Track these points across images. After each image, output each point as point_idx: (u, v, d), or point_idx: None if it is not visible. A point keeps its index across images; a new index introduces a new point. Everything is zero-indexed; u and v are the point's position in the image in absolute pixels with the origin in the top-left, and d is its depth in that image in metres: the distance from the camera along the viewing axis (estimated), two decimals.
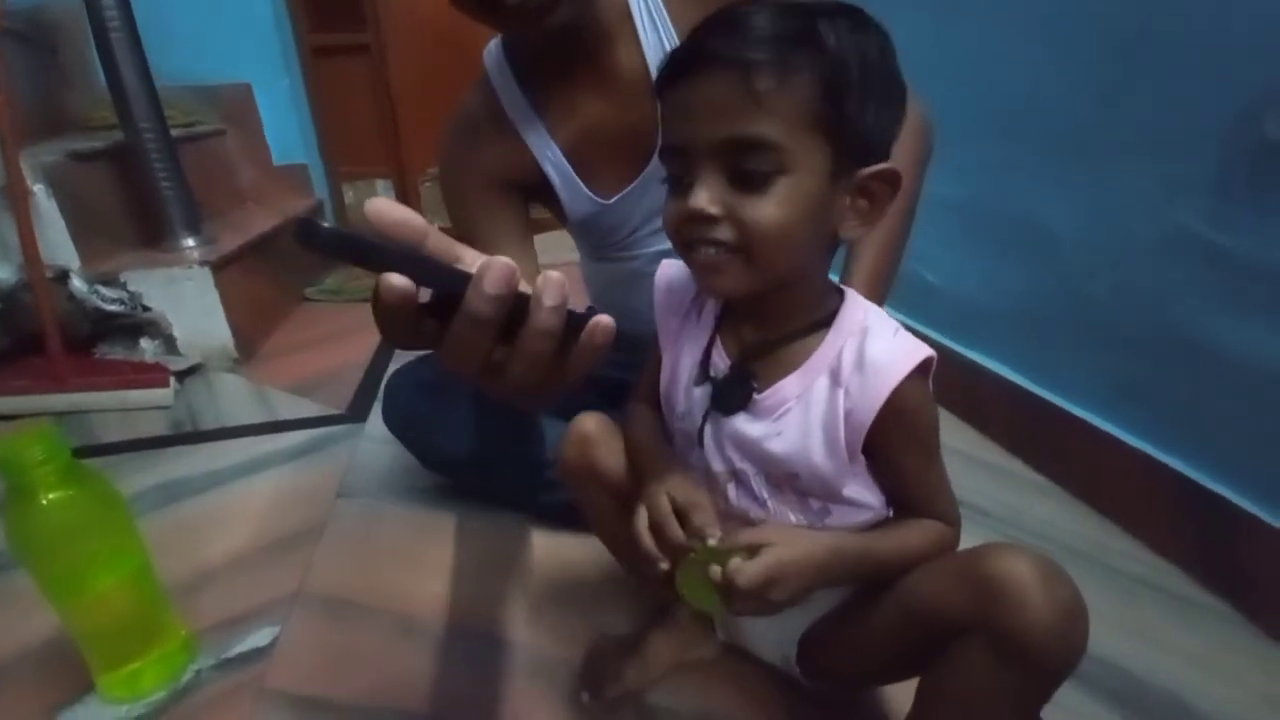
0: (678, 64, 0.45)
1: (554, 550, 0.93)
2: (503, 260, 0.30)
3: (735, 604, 0.48)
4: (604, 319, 0.33)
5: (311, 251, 0.27)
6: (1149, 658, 0.74)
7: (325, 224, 0.26)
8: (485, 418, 0.98)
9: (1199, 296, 0.84)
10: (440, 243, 0.32)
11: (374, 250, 0.28)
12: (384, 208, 0.29)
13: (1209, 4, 0.78)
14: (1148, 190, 0.89)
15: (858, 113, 0.44)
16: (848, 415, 0.48)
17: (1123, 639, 0.77)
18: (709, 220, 0.44)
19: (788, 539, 0.50)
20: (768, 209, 0.44)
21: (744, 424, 0.52)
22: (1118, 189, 0.93)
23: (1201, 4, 0.79)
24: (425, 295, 0.31)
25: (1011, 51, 1.07)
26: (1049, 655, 0.42)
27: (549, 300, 0.31)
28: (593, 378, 0.79)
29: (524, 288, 0.31)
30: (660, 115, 0.48)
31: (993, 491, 1.05)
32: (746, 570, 0.46)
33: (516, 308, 0.31)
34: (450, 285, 0.30)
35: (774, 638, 0.63)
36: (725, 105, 0.43)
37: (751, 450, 0.52)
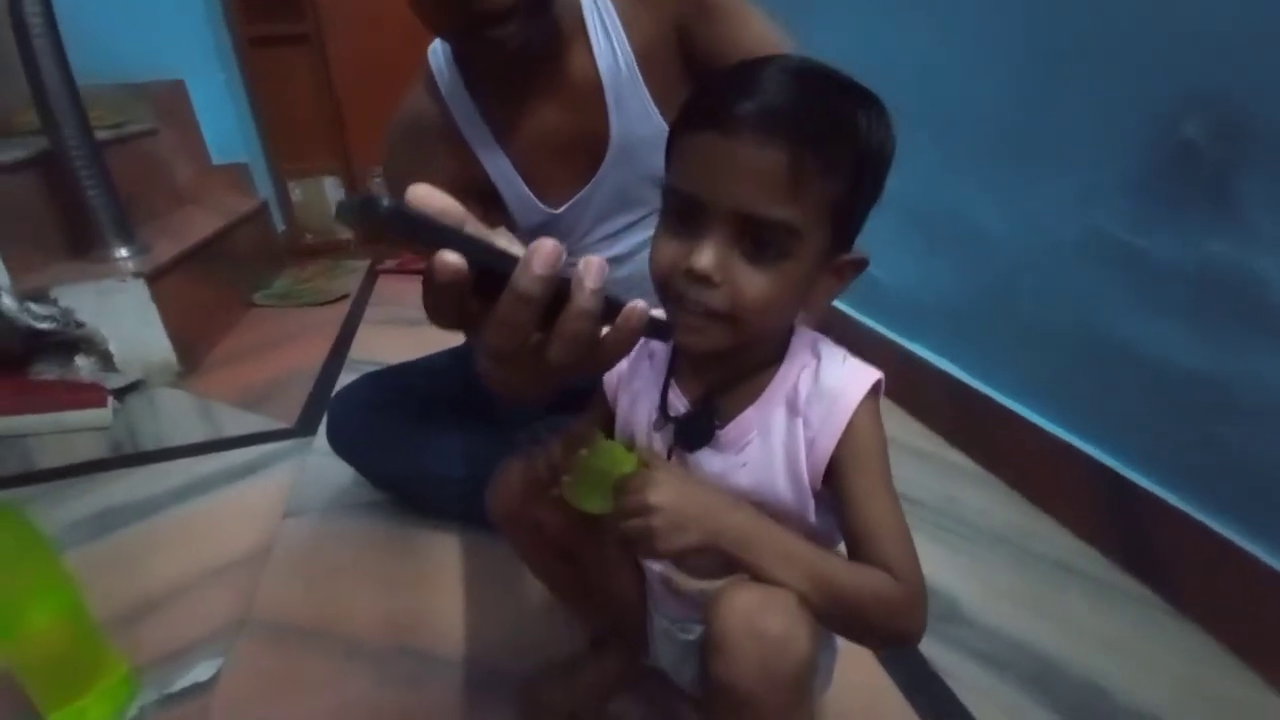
0: (715, 116, 0.42)
1: (501, 566, 0.93)
2: (551, 242, 0.31)
3: (626, 502, 0.46)
4: (640, 304, 0.35)
5: (364, 229, 0.27)
6: (1068, 642, 0.78)
7: (385, 201, 0.27)
8: (430, 436, 0.98)
9: (1116, 295, 0.87)
10: (476, 229, 0.33)
11: (434, 230, 0.29)
12: (425, 195, 0.31)
13: (1131, 18, 0.81)
14: (1070, 193, 0.91)
15: (864, 206, 0.45)
16: (810, 444, 0.47)
17: (1042, 623, 0.81)
18: (708, 284, 0.43)
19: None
20: (765, 284, 0.43)
21: (708, 459, 0.51)
22: (1043, 191, 0.96)
23: (1124, 17, 0.81)
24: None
25: (948, 59, 1.09)
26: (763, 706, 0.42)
27: (590, 283, 0.32)
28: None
29: None
30: (673, 152, 0.46)
31: (928, 480, 1.08)
32: (656, 470, 0.47)
33: (557, 289, 0.32)
34: (500, 265, 0.31)
35: (689, 672, 0.63)
36: (764, 181, 0.41)
37: (718, 486, 0.50)
